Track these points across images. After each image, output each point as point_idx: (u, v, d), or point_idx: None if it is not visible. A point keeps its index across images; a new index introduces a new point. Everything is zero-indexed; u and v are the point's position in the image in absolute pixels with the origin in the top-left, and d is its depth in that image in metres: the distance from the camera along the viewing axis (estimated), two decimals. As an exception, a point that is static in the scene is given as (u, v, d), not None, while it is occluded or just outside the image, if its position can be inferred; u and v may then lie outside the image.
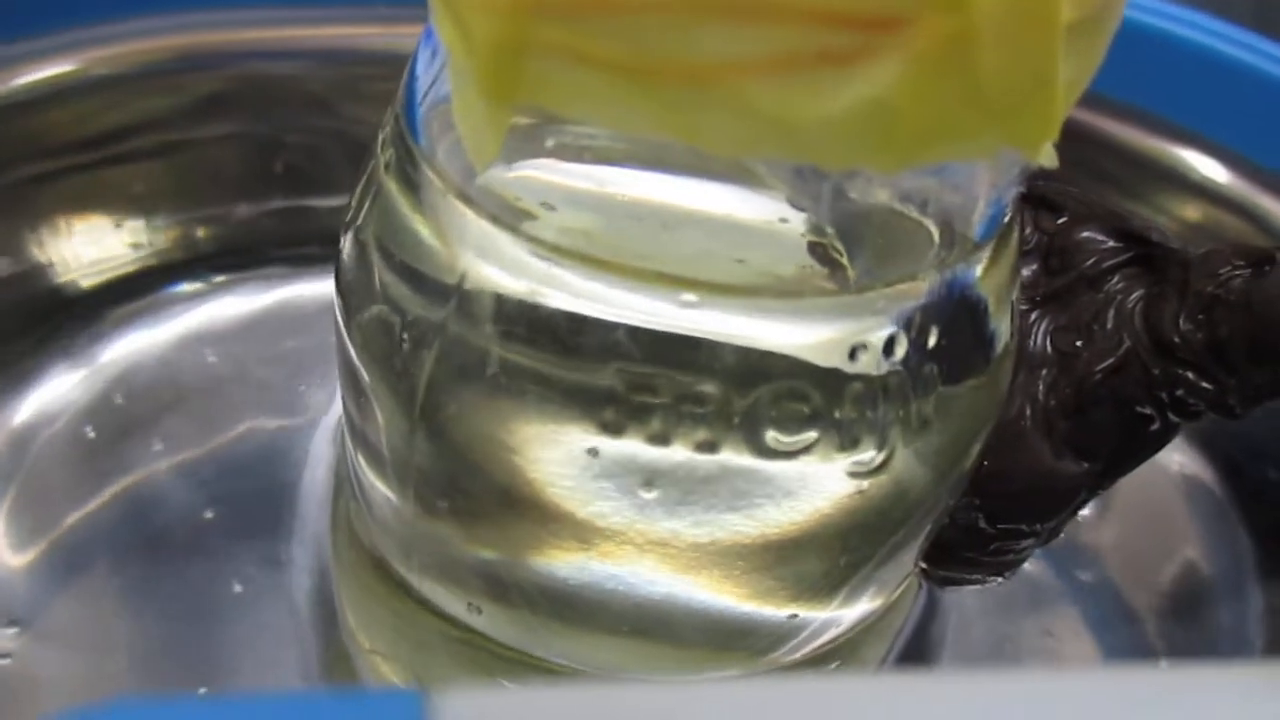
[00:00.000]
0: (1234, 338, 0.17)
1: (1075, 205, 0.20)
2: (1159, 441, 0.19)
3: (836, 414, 0.14)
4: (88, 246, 0.26)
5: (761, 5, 0.11)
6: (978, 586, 0.21)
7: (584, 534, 0.15)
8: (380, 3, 0.26)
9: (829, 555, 0.15)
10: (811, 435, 0.14)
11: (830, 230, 0.15)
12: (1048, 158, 0.13)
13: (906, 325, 0.14)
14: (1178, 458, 0.26)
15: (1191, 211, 0.27)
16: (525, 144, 0.16)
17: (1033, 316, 0.19)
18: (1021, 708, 0.13)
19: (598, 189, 0.16)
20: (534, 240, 0.14)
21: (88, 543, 0.23)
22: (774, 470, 0.14)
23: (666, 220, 0.16)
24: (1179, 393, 0.18)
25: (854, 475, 0.14)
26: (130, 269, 0.26)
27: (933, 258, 0.15)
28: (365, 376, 0.16)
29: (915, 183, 0.14)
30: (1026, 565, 0.21)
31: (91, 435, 0.24)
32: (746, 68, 0.11)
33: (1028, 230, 0.19)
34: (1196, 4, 0.27)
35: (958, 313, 0.15)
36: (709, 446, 0.14)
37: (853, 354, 0.14)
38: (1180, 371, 0.17)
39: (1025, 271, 0.19)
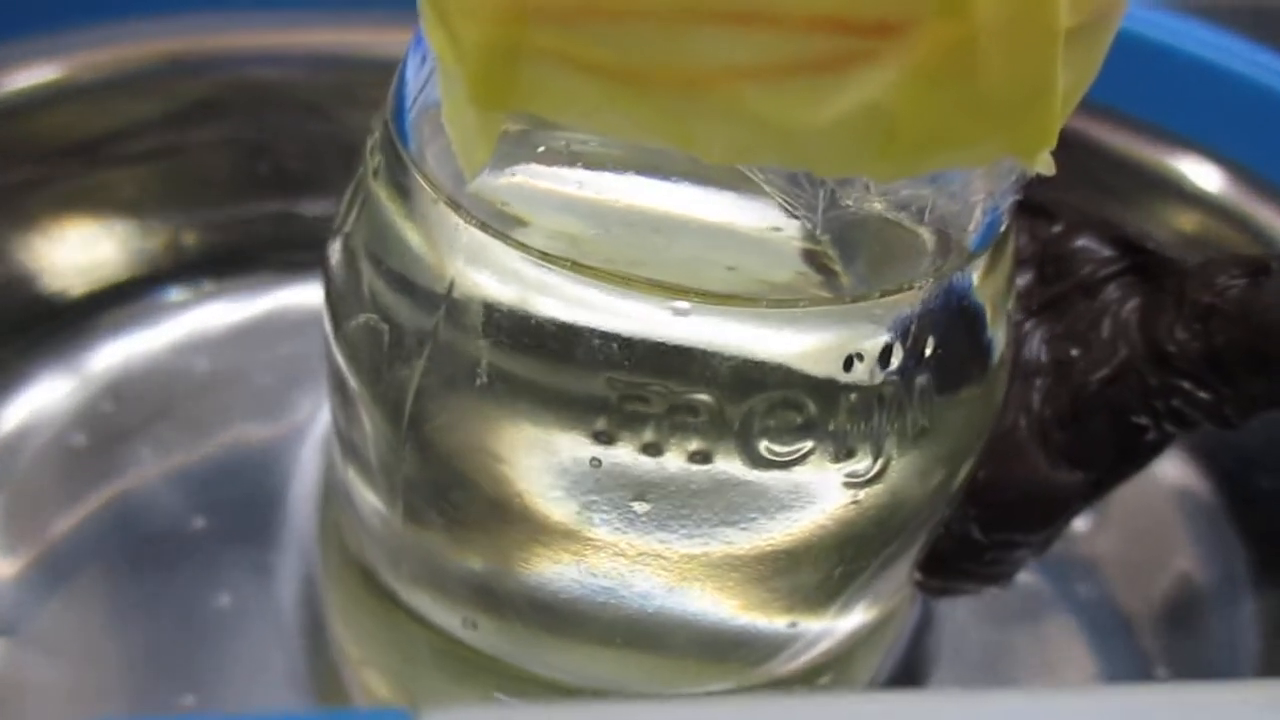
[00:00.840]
0: (1231, 347, 0.17)
1: (1070, 214, 0.19)
2: (1154, 452, 0.19)
3: (831, 424, 0.14)
4: (77, 253, 0.25)
5: (758, 10, 0.11)
6: (972, 597, 0.21)
7: (575, 546, 0.15)
8: (373, 7, 0.26)
9: (824, 566, 0.15)
10: (806, 445, 0.14)
11: (824, 238, 0.15)
12: (1045, 165, 0.13)
13: (902, 334, 0.14)
14: (1171, 468, 0.26)
15: (1187, 221, 0.27)
16: (515, 150, 0.16)
17: (1028, 325, 0.19)
18: None
19: (589, 195, 0.16)
20: (524, 247, 0.14)
21: (76, 551, 0.22)
22: (768, 481, 0.14)
23: (658, 227, 0.15)
24: (1175, 403, 0.17)
25: (849, 485, 0.14)
26: (120, 275, 0.26)
27: (928, 266, 0.15)
28: (353, 385, 0.16)
29: (910, 191, 0.14)
30: (1021, 576, 0.21)
31: (81, 443, 0.24)
32: (742, 74, 0.11)
33: (1023, 239, 0.19)
34: (1194, 14, 0.27)
35: (954, 322, 0.15)
36: (702, 457, 0.14)
37: (848, 363, 0.14)
38: (1176, 381, 0.17)
39: (1020, 280, 0.19)
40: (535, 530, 0.15)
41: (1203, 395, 0.17)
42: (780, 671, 0.17)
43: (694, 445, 0.14)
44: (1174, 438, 0.18)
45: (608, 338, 0.13)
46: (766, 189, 0.14)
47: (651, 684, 0.17)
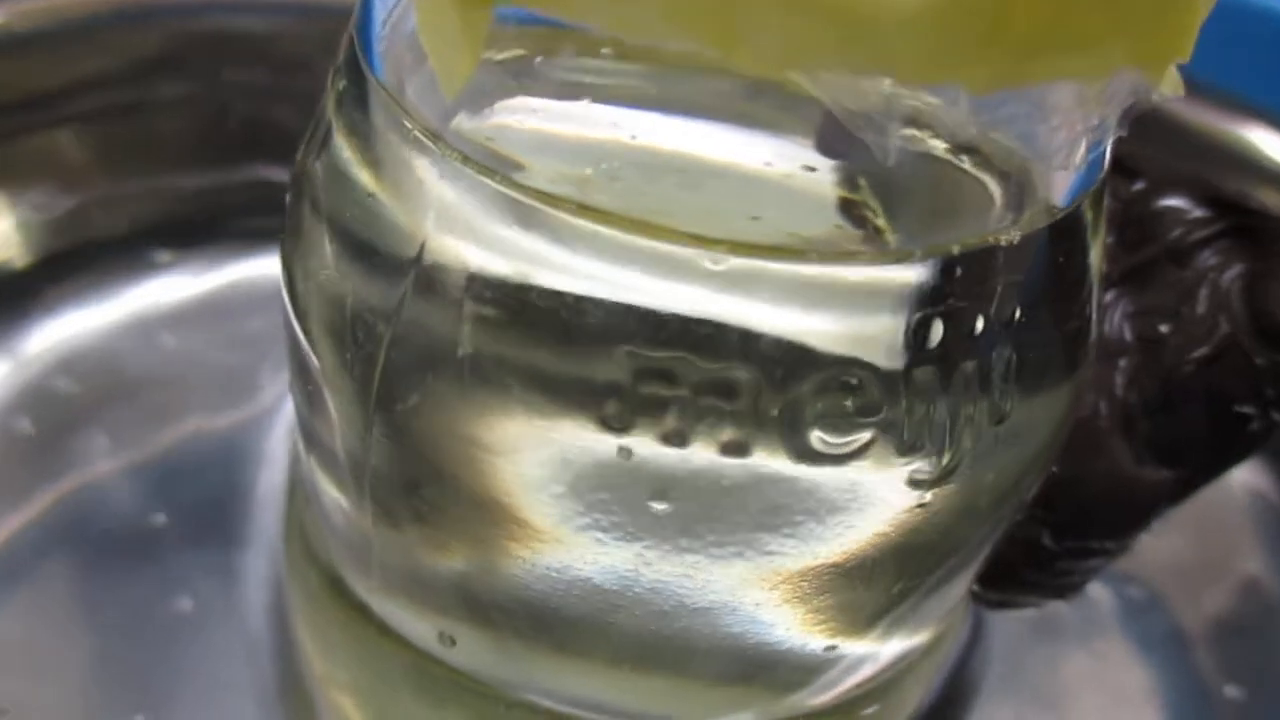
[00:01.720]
0: (1361, 321, 0.14)
1: (1154, 168, 0.17)
2: (1256, 444, 0.16)
3: (896, 410, 0.11)
4: (19, 221, 0.23)
5: None
6: (1030, 610, 0.19)
7: (580, 554, 0.12)
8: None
9: (880, 582, 0.13)
10: (865, 435, 0.11)
11: (864, 184, 0.13)
12: (1174, 85, 0.10)
13: (984, 301, 0.11)
14: (1238, 468, 0.23)
15: (1263, 199, 0.25)
16: (505, 82, 0.13)
17: (1108, 297, 0.16)
18: None
19: (590, 134, 0.13)
20: (518, 186, 0.11)
21: (23, 550, 0.20)
22: (817, 478, 0.11)
23: (671, 170, 0.13)
24: (1288, 387, 0.15)
25: (915, 484, 0.12)
26: (67, 245, 0.23)
27: (1005, 220, 0.12)
28: (314, 361, 0.13)
29: (985, 134, 0.12)
30: (1083, 585, 0.19)
31: (26, 429, 0.22)
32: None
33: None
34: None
35: (1044, 287, 0.12)
36: (737, 449, 0.11)
37: (917, 335, 0.11)
38: (1291, 362, 0.15)
39: (1098, 245, 0.16)
40: (530, 534, 0.12)
41: (1321, 378, 0.15)
42: (815, 702, 0.15)
43: (727, 434, 0.11)
44: (1278, 429, 0.16)
45: (621, 300, 0.11)
46: (797, 125, 0.12)
47: (663, 712, 0.15)
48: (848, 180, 0.13)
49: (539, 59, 0.13)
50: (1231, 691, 0.21)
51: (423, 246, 0.12)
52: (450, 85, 0.11)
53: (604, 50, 0.13)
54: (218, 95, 0.24)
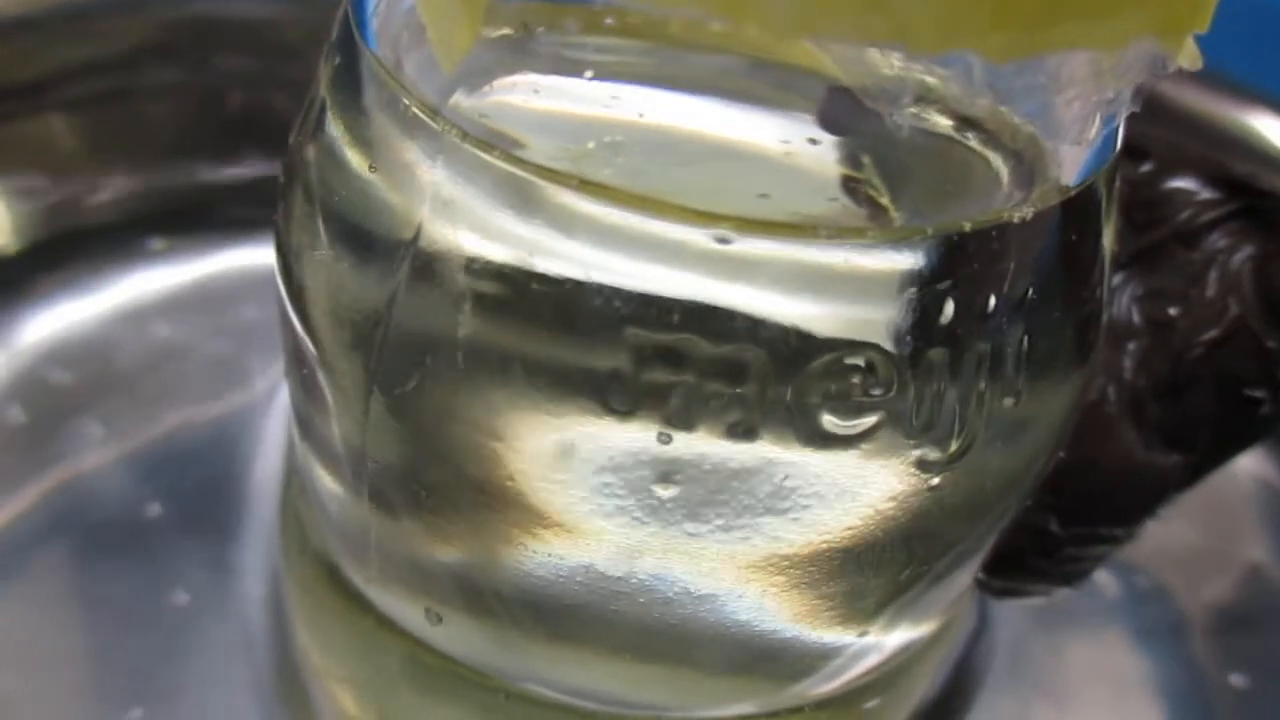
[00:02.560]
0: (1374, 301, 0.14)
1: (1163, 149, 0.17)
2: (1266, 428, 0.16)
3: (904, 392, 0.11)
4: (11, 208, 0.23)
5: None
6: (1034, 599, 0.18)
7: (582, 540, 0.12)
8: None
9: (888, 568, 0.12)
10: (873, 418, 0.11)
11: (867, 161, 0.13)
12: (1191, 57, 0.10)
13: (997, 280, 0.11)
14: (1244, 455, 0.23)
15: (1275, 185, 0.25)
16: (504, 58, 0.13)
17: (1116, 279, 0.16)
18: None
19: (594, 112, 0.13)
20: (519, 162, 0.11)
21: (16, 540, 0.20)
22: (825, 461, 0.11)
23: (674, 147, 0.13)
24: (1300, 370, 0.15)
25: (924, 467, 0.11)
26: (60, 233, 0.23)
27: (1013, 198, 0.12)
28: (309, 346, 0.13)
29: (998, 106, 0.12)
30: (1089, 573, 0.18)
31: (19, 418, 0.21)
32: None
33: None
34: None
35: (1056, 267, 0.12)
36: (744, 431, 0.11)
37: (929, 314, 0.11)
38: (1302, 344, 0.15)
39: (1105, 227, 0.16)
40: (531, 520, 0.12)
41: (1333, 361, 0.15)
42: (818, 691, 0.14)
43: (734, 416, 0.11)
44: (1288, 413, 0.16)
45: (623, 280, 0.11)
46: (800, 102, 0.12)
47: (667, 704, 0.15)
48: (850, 158, 0.13)
49: (539, 34, 0.13)
50: (1236, 680, 0.21)
51: (419, 228, 0.11)
52: (449, 60, 0.10)
53: (607, 21, 0.13)
54: (209, 82, 0.24)
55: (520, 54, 0.13)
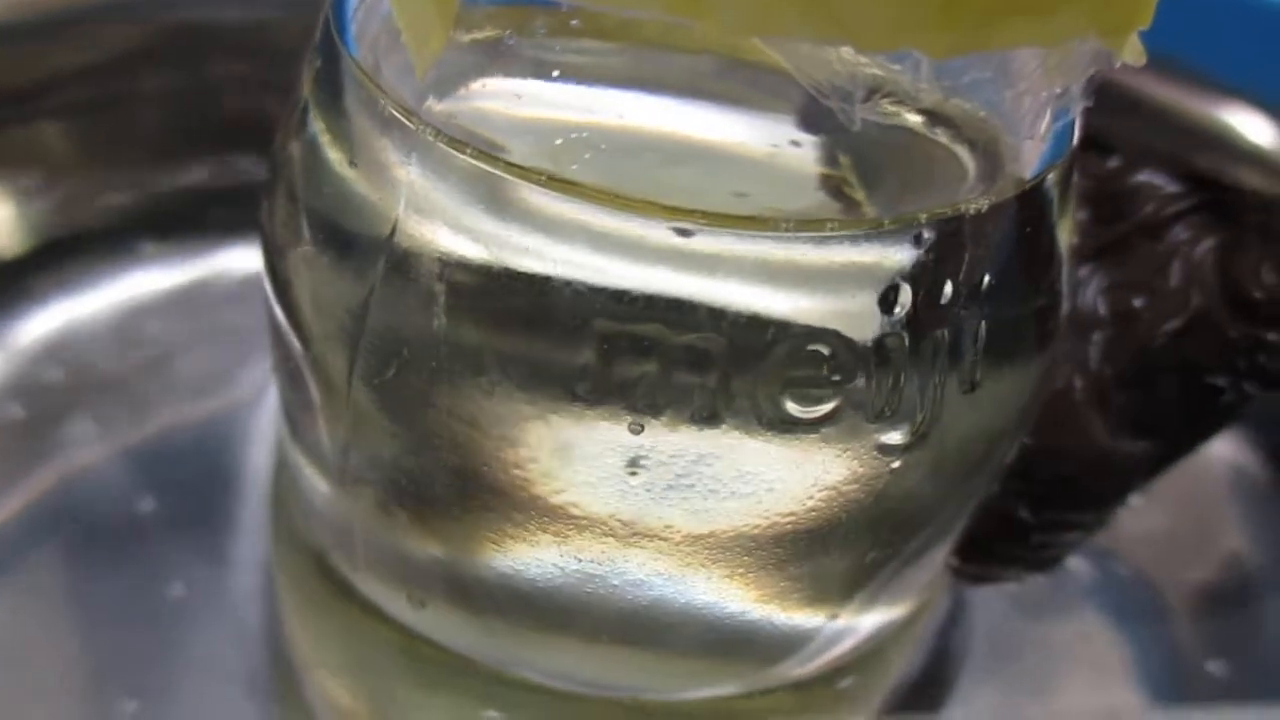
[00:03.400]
0: (1330, 290, 0.14)
1: (1128, 147, 0.17)
2: (1229, 416, 0.16)
3: (865, 377, 0.11)
4: (6, 213, 0.23)
5: None
6: (1012, 585, 0.19)
7: (556, 525, 0.12)
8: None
9: (853, 550, 0.13)
10: (834, 403, 0.11)
11: (845, 160, 0.13)
12: (1135, 53, 0.10)
13: (953, 268, 0.11)
14: (1220, 443, 0.23)
15: (1242, 181, 0.25)
16: (478, 62, 0.13)
17: (1082, 272, 0.16)
18: None
19: (568, 116, 0.13)
20: (490, 159, 0.11)
21: (13, 536, 0.20)
22: (788, 446, 0.11)
23: (653, 149, 0.13)
24: (1260, 358, 0.15)
25: (885, 451, 0.12)
26: (54, 237, 0.23)
27: (976, 191, 0.12)
28: (293, 341, 0.13)
29: (950, 100, 0.12)
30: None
31: (19, 415, 0.22)
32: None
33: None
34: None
35: (1013, 258, 0.12)
36: (708, 417, 0.11)
37: (886, 301, 0.11)
38: (1262, 332, 0.15)
39: (1073, 221, 0.16)
40: (506, 506, 0.12)
41: (1292, 349, 0.15)
42: (796, 673, 0.15)
43: (699, 403, 0.11)
44: (1251, 400, 0.16)
45: (591, 273, 0.11)
46: (778, 104, 0.12)
47: (647, 685, 0.15)
48: (829, 157, 0.13)
49: (512, 38, 0.13)
50: (1214, 667, 0.21)
51: (395, 224, 0.12)
52: (422, 61, 0.11)
53: (573, 24, 0.13)
54: (201, 87, 0.24)
55: (499, 58, 0.14)
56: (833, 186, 0.13)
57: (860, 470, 0.12)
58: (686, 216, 0.11)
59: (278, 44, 0.24)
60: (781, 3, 0.09)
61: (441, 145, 0.11)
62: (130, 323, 0.23)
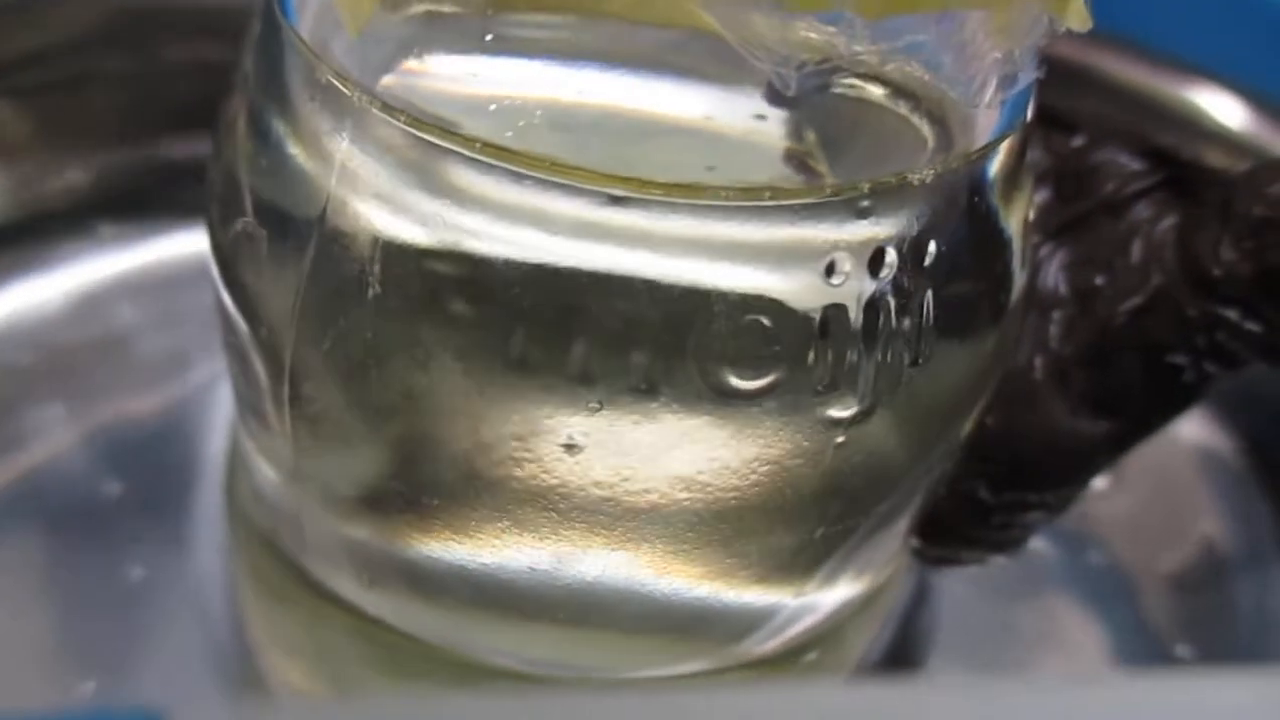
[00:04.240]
0: (1288, 267, 0.14)
1: (1093, 125, 0.17)
2: (1191, 396, 0.16)
3: (807, 348, 0.11)
4: None
5: None
6: (976, 567, 0.19)
7: (493, 499, 0.12)
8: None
9: (800, 527, 0.13)
10: (776, 374, 0.11)
11: (811, 136, 0.13)
12: (1079, 18, 0.10)
13: (897, 240, 0.11)
14: (1192, 425, 0.23)
15: (1208, 160, 0.25)
16: (439, 38, 0.13)
17: (1043, 250, 0.16)
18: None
19: (534, 92, 0.13)
20: (419, 124, 0.11)
21: None
22: (729, 418, 0.11)
23: (622, 123, 0.13)
24: (1219, 336, 0.15)
25: (830, 425, 0.12)
26: (11, 219, 0.23)
27: (926, 162, 0.12)
28: (237, 317, 0.13)
29: (908, 70, 0.12)
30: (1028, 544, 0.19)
31: (-24, 400, 0.21)
32: None
33: (1037, 153, 0.17)
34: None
35: (963, 231, 0.12)
36: (648, 388, 0.11)
37: (828, 272, 0.11)
38: (1221, 310, 0.15)
39: (1035, 199, 0.16)
40: (446, 482, 0.12)
41: (1251, 327, 0.15)
42: (758, 651, 0.15)
43: (637, 374, 0.11)
44: (1213, 380, 0.16)
45: (525, 242, 0.11)
46: (745, 76, 0.12)
47: (608, 666, 0.15)
48: (795, 131, 0.13)
49: (467, 13, 0.13)
50: (1183, 650, 0.21)
51: (329, 198, 0.11)
52: (354, 23, 0.10)
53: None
54: (157, 69, 0.24)
55: (452, 34, 0.13)
56: (797, 160, 0.13)
57: (805, 444, 0.12)
58: (621, 184, 0.10)
59: (235, 25, 0.24)
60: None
61: (376, 112, 0.11)
62: (89, 304, 0.23)
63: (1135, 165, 0.16)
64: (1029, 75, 0.12)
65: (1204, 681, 0.14)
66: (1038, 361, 0.16)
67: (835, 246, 0.11)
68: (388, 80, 0.13)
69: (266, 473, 0.15)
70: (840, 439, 0.12)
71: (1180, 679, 0.16)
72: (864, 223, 0.11)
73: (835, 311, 0.11)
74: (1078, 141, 0.17)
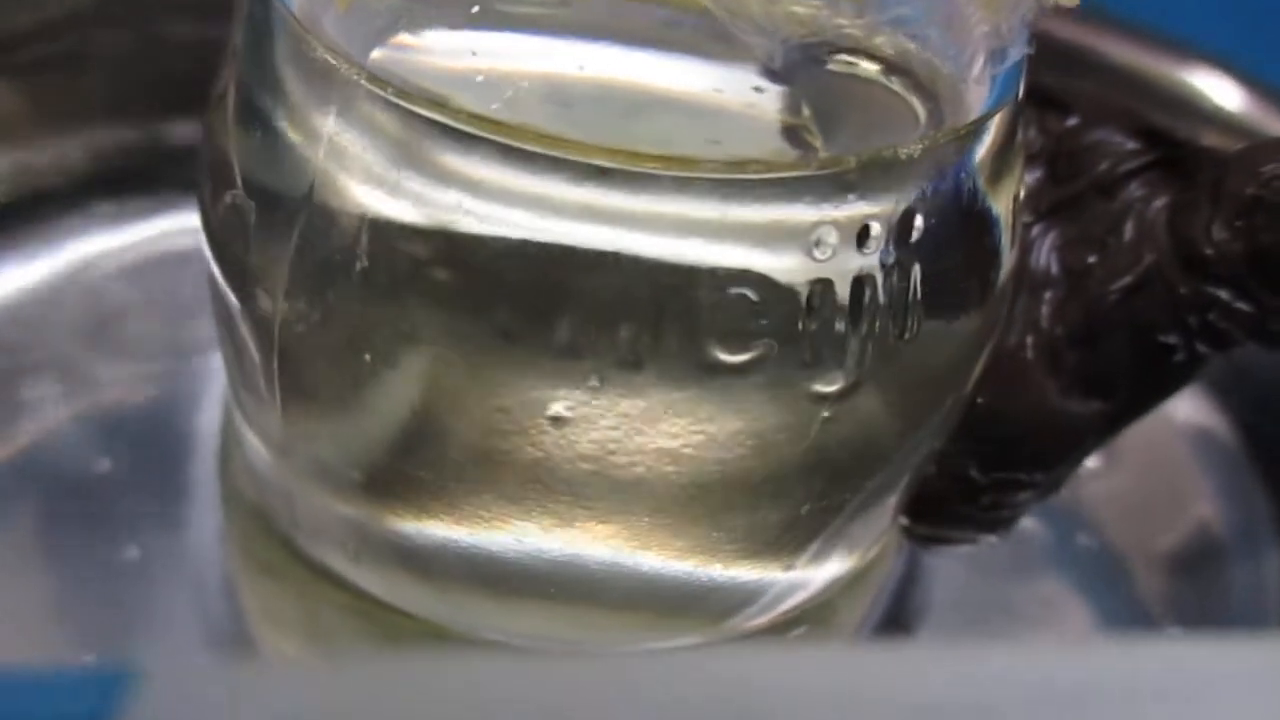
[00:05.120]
0: None
1: (1088, 104, 0.17)
2: (1182, 377, 0.16)
3: (794, 323, 0.11)
4: None
5: None
6: (966, 547, 0.19)
7: (479, 472, 0.12)
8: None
9: (787, 502, 0.13)
10: (762, 348, 0.11)
11: (806, 111, 0.13)
12: (1065, -9, 0.10)
13: (884, 216, 0.11)
14: (1186, 405, 0.23)
15: (1205, 142, 0.25)
16: (435, 14, 0.13)
17: (1036, 230, 0.16)
18: (1012, 685, 0.10)
19: (533, 67, 0.13)
20: (406, 95, 0.11)
21: None
22: (715, 392, 0.11)
23: (620, 98, 0.13)
24: (1210, 316, 0.15)
25: (817, 399, 0.12)
26: (8, 197, 0.23)
27: (916, 136, 0.12)
28: (228, 292, 0.13)
29: (901, 45, 0.12)
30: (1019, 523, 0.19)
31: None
32: None
33: (1031, 133, 0.17)
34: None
35: (951, 207, 0.12)
36: (633, 361, 0.11)
37: (815, 246, 0.11)
38: (1212, 290, 0.15)
39: (1027, 178, 0.16)
40: (433, 456, 0.12)
41: (1243, 307, 0.15)
42: (749, 626, 0.15)
43: (623, 347, 0.11)
44: (1205, 361, 0.16)
45: (512, 215, 0.11)
46: (743, 51, 0.12)
47: (598, 641, 0.15)
48: (792, 106, 0.13)
49: None
50: (1175, 632, 0.21)
51: (316, 173, 0.11)
52: (341, -4, 0.10)
53: None
54: (154, 47, 0.24)
55: (443, 7, 0.13)
56: (794, 135, 0.13)
57: (790, 419, 0.12)
58: (608, 156, 0.10)
59: (231, 3, 0.24)
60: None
61: (364, 84, 0.11)
62: (84, 282, 0.23)
63: (1129, 145, 0.16)
64: (1019, 51, 0.12)
65: (1190, 649, 0.14)
66: (1028, 341, 0.16)
67: (822, 221, 0.11)
68: (377, 54, 0.13)
69: (258, 448, 0.15)
70: (826, 414, 0.12)
71: (1166, 647, 0.17)
72: (851, 198, 0.11)
73: (822, 286, 0.11)
74: (1072, 121, 0.17)
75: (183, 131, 0.24)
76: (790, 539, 0.13)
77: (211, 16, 0.24)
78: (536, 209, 0.11)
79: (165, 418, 0.21)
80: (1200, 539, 0.23)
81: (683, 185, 0.11)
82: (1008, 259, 0.13)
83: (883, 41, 0.11)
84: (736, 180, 0.11)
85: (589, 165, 0.10)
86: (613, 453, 0.12)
